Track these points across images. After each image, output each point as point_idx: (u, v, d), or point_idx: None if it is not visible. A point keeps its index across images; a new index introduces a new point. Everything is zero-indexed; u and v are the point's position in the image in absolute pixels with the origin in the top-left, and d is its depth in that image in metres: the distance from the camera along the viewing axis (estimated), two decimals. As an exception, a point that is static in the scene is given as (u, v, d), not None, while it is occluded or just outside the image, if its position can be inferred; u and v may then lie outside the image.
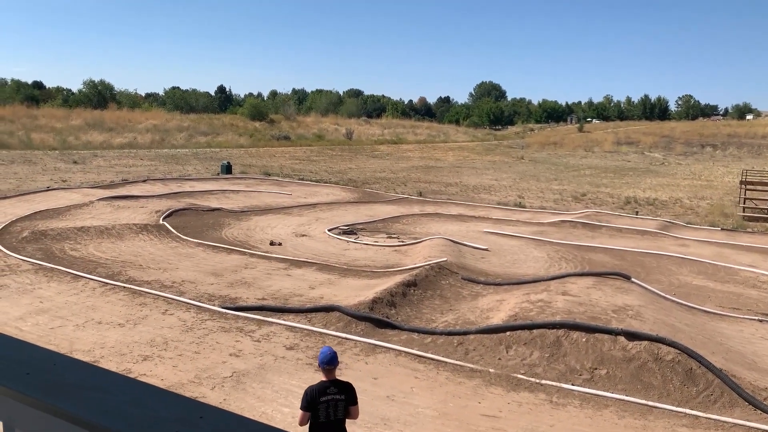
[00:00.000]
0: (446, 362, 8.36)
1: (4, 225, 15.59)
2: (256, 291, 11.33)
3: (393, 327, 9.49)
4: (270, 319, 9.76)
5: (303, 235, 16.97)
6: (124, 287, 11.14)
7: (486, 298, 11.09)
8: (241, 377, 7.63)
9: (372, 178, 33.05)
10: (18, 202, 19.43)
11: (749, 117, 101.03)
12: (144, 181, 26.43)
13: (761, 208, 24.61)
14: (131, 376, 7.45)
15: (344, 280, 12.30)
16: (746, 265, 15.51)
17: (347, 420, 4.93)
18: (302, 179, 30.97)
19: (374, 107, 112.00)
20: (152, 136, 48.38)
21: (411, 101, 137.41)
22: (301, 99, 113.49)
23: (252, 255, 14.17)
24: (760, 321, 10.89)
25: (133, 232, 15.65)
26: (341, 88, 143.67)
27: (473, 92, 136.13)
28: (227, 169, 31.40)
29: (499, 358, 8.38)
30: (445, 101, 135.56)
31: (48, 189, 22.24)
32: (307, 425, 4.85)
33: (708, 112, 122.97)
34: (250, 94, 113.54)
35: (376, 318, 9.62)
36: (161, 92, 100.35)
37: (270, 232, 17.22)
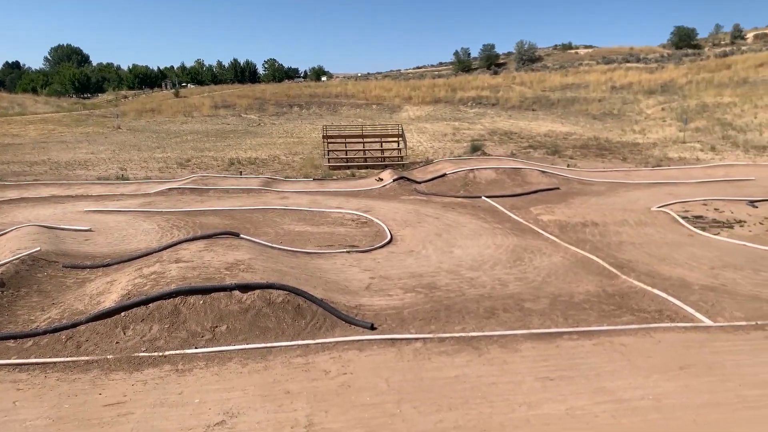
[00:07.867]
0: (55, 362, 7.46)
1: None
2: None
3: (-22, 340, 7.94)
4: None
5: None
6: None
7: (95, 282, 10.21)
8: None
9: (-77, 166, 26.29)
10: None
11: (324, 79, 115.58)
12: None
13: (341, 158, 28.78)
14: None
15: None
16: (334, 208, 18.07)
17: None
18: None
19: None
20: None
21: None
22: None
23: None
24: (348, 252, 12.91)
25: None
26: None
27: (49, 56, 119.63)
28: None
29: (117, 342, 7.89)
30: (15, 67, 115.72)
31: None
32: None
33: (291, 74, 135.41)
34: None
35: (-49, 335, 7.88)
36: None
37: None
